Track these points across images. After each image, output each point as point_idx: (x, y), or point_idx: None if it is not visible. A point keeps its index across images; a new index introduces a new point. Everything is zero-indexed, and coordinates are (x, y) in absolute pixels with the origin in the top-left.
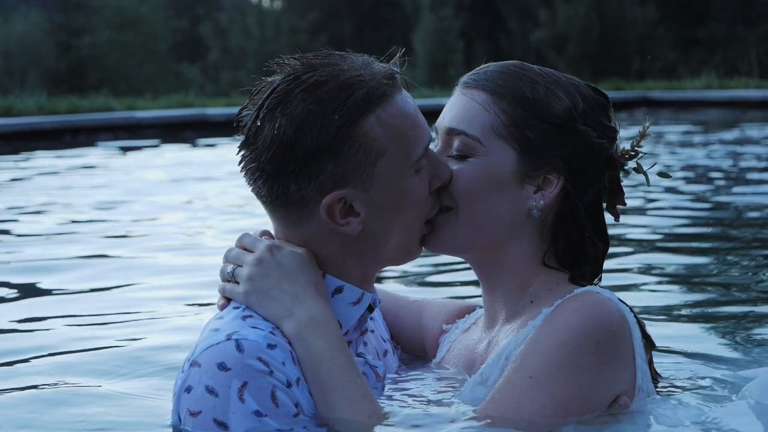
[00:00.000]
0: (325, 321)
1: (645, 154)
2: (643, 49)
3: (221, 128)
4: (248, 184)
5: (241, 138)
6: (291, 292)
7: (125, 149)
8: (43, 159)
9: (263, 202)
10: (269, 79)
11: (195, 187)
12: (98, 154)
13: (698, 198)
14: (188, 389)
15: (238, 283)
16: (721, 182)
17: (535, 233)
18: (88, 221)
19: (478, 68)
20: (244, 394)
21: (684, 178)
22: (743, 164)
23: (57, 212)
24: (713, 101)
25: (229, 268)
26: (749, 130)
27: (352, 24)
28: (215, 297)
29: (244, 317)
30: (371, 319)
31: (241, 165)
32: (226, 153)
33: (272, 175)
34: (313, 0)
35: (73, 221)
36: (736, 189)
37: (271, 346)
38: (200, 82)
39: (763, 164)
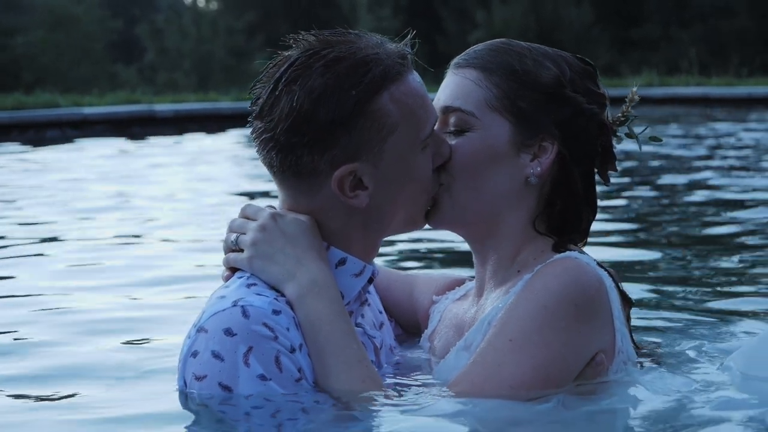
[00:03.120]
0: (326, 286)
1: (635, 117)
2: (580, 50)
3: (169, 124)
4: (260, 154)
5: (254, 109)
6: (294, 255)
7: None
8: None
9: (273, 173)
10: (285, 54)
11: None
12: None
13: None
14: (194, 354)
15: (242, 250)
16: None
17: (532, 200)
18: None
19: (467, 50)
20: (249, 359)
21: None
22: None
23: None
24: (655, 98)
25: (233, 236)
26: (691, 126)
27: (289, 24)
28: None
29: (249, 285)
30: (368, 292)
31: (254, 135)
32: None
33: (286, 145)
34: (249, 0)
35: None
36: (685, 179)
37: (276, 312)
38: (136, 82)
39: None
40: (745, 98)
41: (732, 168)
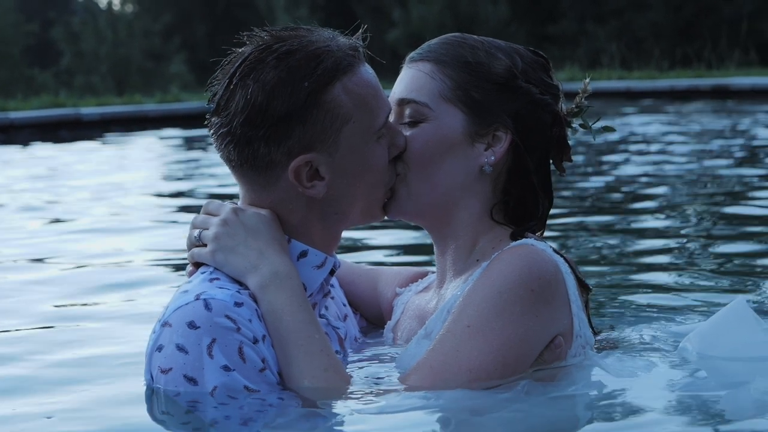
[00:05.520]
0: (288, 276)
1: (589, 106)
2: None
3: (95, 127)
4: (218, 150)
5: (211, 106)
6: (256, 247)
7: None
8: None
9: (232, 167)
10: (239, 50)
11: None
12: None
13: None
14: (159, 348)
15: (205, 246)
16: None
17: (487, 190)
18: None
19: (422, 45)
20: (213, 351)
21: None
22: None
23: None
24: (577, 93)
25: (196, 232)
26: (614, 118)
27: (206, 26)
28: None
29: (212, 279)
30: (331, 286)
31: (212, 131)
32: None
33: (243, 139)
34: (165, 2)
35: None
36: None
37: (238, 304)
38: (54, 86)
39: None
40: (668, 91)
41: (669, 153)
